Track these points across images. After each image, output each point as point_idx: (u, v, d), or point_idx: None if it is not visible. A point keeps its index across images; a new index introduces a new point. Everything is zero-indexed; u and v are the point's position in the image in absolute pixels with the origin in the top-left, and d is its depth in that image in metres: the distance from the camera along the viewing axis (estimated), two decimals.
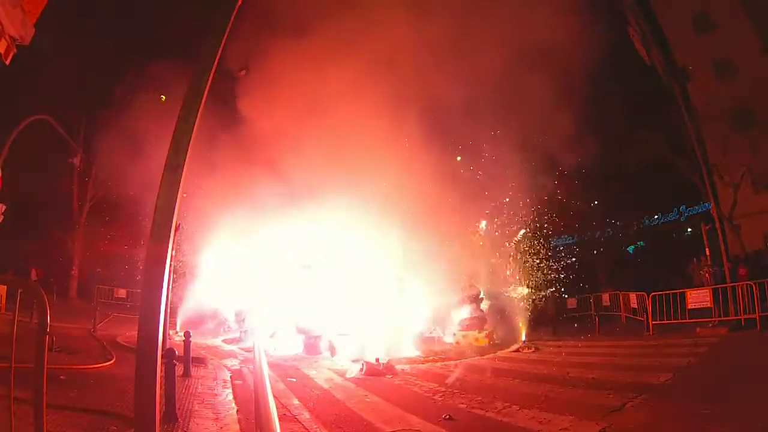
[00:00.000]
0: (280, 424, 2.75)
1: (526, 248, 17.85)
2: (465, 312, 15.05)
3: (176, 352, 5.57)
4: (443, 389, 7.64)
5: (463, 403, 6.51)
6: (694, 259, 15.28)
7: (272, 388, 3.84)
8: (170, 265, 2.80)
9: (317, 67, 14.00)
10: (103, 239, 20.21)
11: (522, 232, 18.00)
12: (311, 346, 12.63)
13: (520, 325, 14.44)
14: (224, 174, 15.76)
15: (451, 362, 10.89)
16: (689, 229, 24.88)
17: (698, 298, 12.39)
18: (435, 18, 15.03)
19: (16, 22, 8.65)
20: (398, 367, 9.74)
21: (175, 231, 2.83)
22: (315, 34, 13.99)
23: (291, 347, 12.79)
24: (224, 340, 14.16)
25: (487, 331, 14.33)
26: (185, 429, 4.79)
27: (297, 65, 14.05)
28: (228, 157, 15.01)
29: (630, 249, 27.51)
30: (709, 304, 12.12)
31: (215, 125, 13.42)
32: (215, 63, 3.01)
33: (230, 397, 6.46)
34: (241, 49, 12.62)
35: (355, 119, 14.35)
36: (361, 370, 9.43)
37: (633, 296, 15.00)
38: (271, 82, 14.03)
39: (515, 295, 16.41)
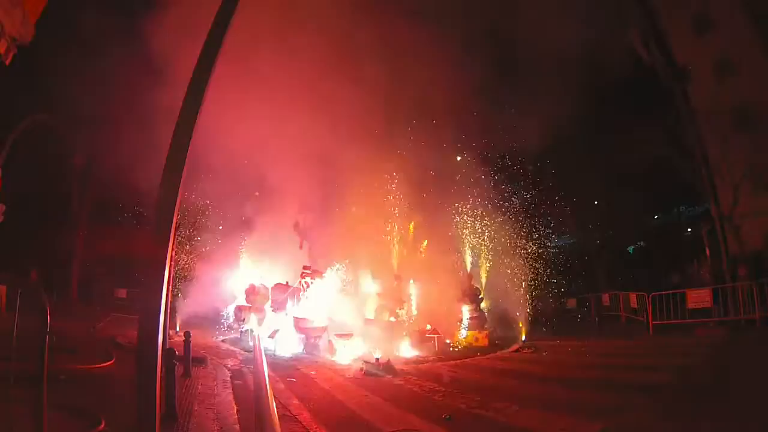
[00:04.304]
0: (280, 424, 2.76)
1: (526, 248, 17.85)
2: (465, 312, 15.05)
3: (176, 352, 5.57)
4: (443, 389, 7.64)
5: (463, 403, 6.51)
6: (695, 260, 15.28)
7: (272, 388, 3.84)
8: (170, 264, 2.80)
9: None
10: (103, 239, 20.19)
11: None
12: (311, 346, 12.63)
13: (520, 325, 14.44)
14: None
15: (451, 362, 10.89)
16: (689, 229, 24.87)
17: (698, 298, 12.38)
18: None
19: (16, 22, 8.64)
20: (398, 367, 9.74)
21: (175, 231, 2.83)
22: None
23: (291, 347, 12.79)
24: (224, 340, 14.15)
25: (487, 331, 14.34)
26: (185, 429, 4.79)
27: None
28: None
29: (630, 249, 27.50)
30: (709, 304, 12.11)
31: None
32: (215, 63, 3.01)
33: (230, 397, 6.46)
34: None
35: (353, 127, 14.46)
36: (361, 370, 9.44)
37: (633, 296, 14.98)
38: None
39: (515, 295, 16.40)
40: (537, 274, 17.53)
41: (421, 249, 16.92)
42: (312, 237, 16.77)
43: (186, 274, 16.28)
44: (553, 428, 5.14)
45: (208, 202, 16.81)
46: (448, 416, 5.71)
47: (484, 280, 16.64)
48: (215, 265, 16.55)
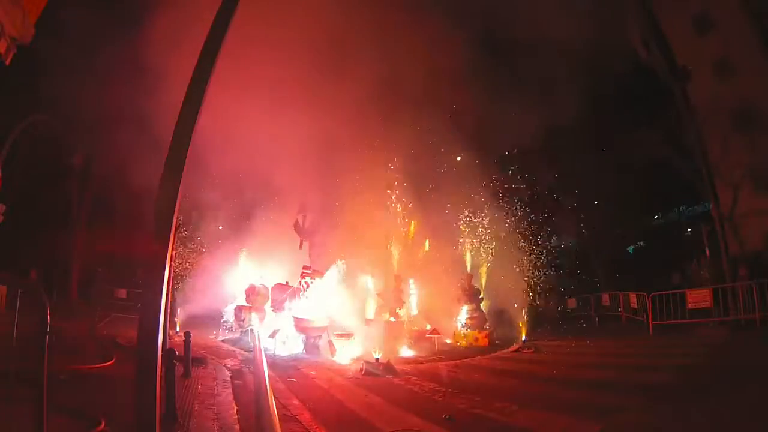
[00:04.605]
0: (280, 424, 2.76)
1: (527, 248, 17.85)
2: (465, 312, 15.05)
3: (176, 352, 5.56)
4: (443, 389, 7.64)
5: (463, 403, 6.51)
6: (695, 259, 15.28)
7: (272, 388, 3.84)
8: (170, 265, 2.80)
9: None
10: (103, 239, 20.22)
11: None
12: (311, 346, 12.63)
13: (520, 325, 14.44)
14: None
15: (451, 362, 10.89)
16: (689, 229, 24.87)
17: (698, 298, 12.37)
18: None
19: (16, 22, 8.63)
20: (398, 367, 9.74)
21: (175, 231, 2.83)
22: None
23: (291, 347, 12.78)
24: (224, 340, 14.15)
25: (487, 331, 14.33)
26: (185, 429, 4.78)
27: None
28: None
29: (630, 249, 27.49)
30: (709, 304, 12.11)
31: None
32: (215, 63, 3.01)
33: (230, 397, 6.46)
34: None
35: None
36: (361, 370, 9.44)
37: (633, 296, 14.98)
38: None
39: (515, 295, 16.39)
40: (537, 274, 17.54)
41: (423, 250, 16.93)
42: (312, 237, 16.78)
43: (186, 273, 16.30)
44: (553, 428, 5.14)
45: (219, 225, 16.94)
46: (448, 416, 5.71)
47: (484, 280, 16.63)
48: (215, 264, 16.56)
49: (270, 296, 14.70)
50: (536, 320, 16.04)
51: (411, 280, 15.71)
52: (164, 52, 12.04)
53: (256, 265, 15.98)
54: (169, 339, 9.24)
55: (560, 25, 14.43)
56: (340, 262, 14.63)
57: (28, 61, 10.99)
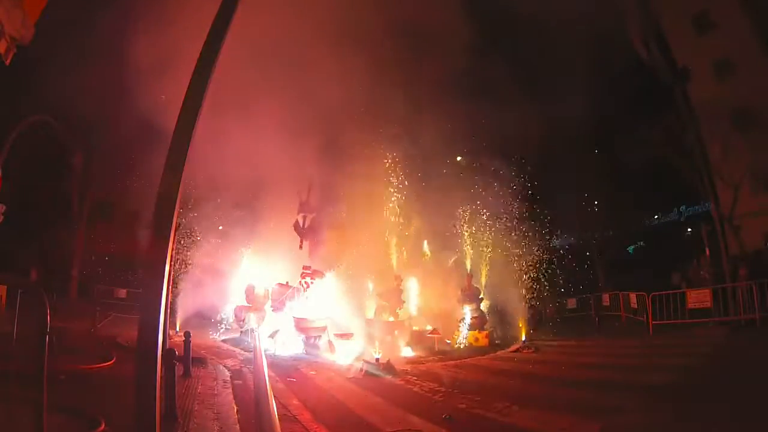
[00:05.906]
0: (280, 424, 2.75)
1: (527, 248, 17.83)
2: (465, 312, 15.04)
3: (176, 352, 5.56)
4: (443, 389, 7.64)
5: (463, 403, 6.51)
6: (695, 260, 15.29)
7: (272, 388, 3.84)
8: (170, 264, 2.80)
9: None
10: (103, 239, 20.24)
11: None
12: (311, 346, 12.62)
13: (520, 325, 14.43)
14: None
15: (451, 362, 10.89)
16: (689, 229, 24.89)
17: (698, 298, 12.38)
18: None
19: (16, 22, 8.65)
20: (398, 367, 9.74)
21: (175, 230, 2.83)
22: None
23: (291, 347, 12.78)
24: (224, 340, 14.14)
25: (487, 331, 14.33)
26: (185, 429, 4.78)
27: None
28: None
29: (630, 249, 27.51)
30: (709, 304, 12.11)
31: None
32: (215, 64, 3.00)
33: (230, 397, 6.46)
34: None
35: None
36: (361, 369, 9.43)
37: (633, 296, 14.98)
38: None
39: (515, 295, 16.38)
40: (537, 274, 17.52)
41: (423, 250, 16.91)
42: (312, 237, 16.76)
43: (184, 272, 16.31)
44: (553, 428, 5.14)
45: (220, 227, 17.00)
46: (448, 416, 5.71)
47: (484, 280, 16.62)
48: (215, 265, 16.55)
49: (270, 296, 14.69)
50: (536, 320, 16.01)
51: (411, 279, 15.69)
52: (164, 51, 12.03)
53: (256, 265, 15.96)
54: (169, 339, 9.23)
55: (561, 25, 14.45)
56: (340, 262, 14.62)
57: (28, 61, 11.01)
